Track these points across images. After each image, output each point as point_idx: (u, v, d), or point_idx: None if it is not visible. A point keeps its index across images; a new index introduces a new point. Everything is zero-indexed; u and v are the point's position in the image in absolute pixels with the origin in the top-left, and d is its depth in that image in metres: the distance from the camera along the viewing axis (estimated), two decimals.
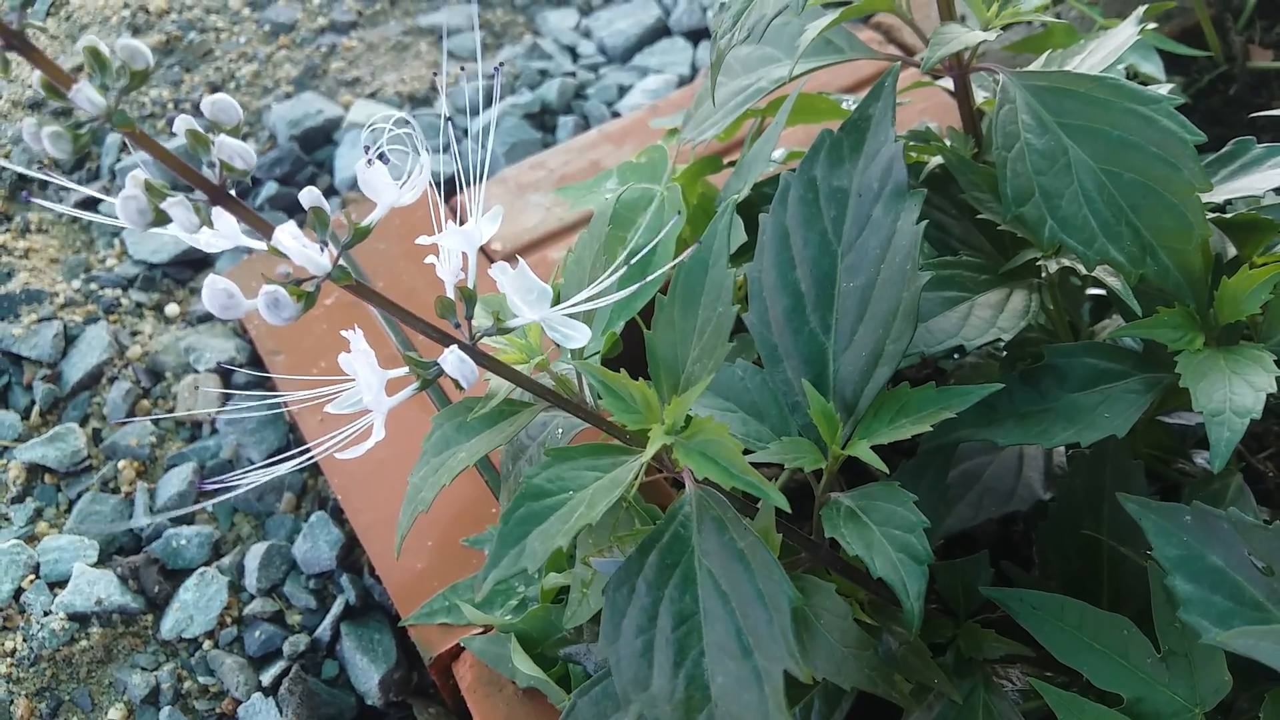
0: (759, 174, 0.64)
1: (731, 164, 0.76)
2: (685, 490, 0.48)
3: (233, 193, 0.39)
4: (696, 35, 1.26)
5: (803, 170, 0.59)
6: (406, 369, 0.45)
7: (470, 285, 0.45)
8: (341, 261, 0.40)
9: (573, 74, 1.21)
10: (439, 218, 0.47)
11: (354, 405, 0.46)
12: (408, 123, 0.44)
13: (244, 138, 0.40)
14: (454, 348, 0.42)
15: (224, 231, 0.40)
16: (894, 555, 0.50)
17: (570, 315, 0.44)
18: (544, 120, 1.16)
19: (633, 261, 0.52)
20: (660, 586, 0.45)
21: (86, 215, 0.45)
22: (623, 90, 1.18)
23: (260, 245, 0.41)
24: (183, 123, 0.40)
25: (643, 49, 1.24)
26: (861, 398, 0.56)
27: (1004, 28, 0.65)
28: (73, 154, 0.36)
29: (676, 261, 0.49)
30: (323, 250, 0.38)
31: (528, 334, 0.52)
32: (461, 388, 0.43)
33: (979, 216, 0.62)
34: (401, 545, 0.50)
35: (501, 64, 1.25)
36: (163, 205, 0.37)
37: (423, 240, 0.45)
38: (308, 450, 0.45)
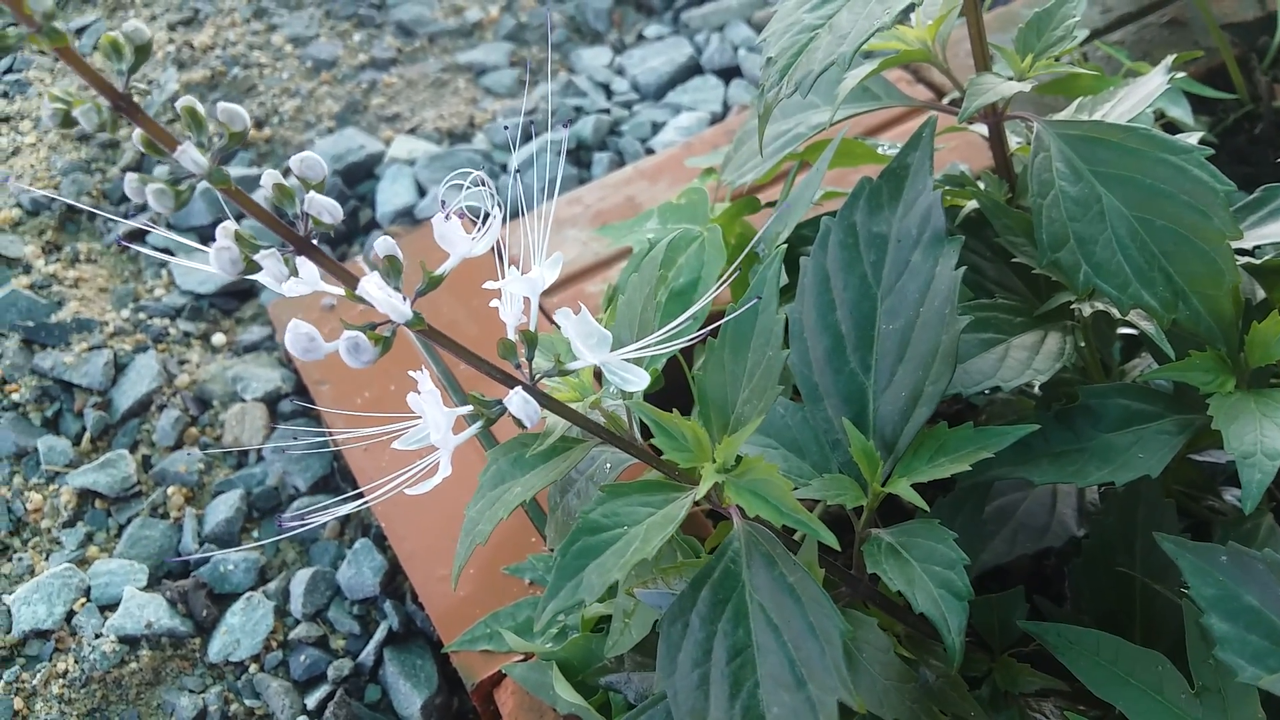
0: (800, 217, 0.66)
1: (770, 204, 0.79)
2: (734, 526, 0.50)
3: (315, 243, 0.41)
4: (728, 74, 1.29)
5: (843, 216, 0.61)
6: (469, 408, 0.48)
7: (532, 328, 0.47)
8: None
9: (607, 110, 1.24)
10: (502, 264, 0.49)
11: (420, 442, 0.48)
12: (484, 182, 0.46)
13: (285, 173, 0.42)
14: (519, 389, 0.44)
15: (306, 279, 0.42)
16: (935, 591, 0.52)
17: (628, 360, 0.46)
18: (579, 156, 1.19)
19: (682, 313, 0.54)
20: (714, 621, 0.47)
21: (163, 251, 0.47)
22: (656, 127, 1.21)
23: (338, 290, 0.44)
24: (270, 177, 0.42)
25: (675, 86, 1.27)
26: (901, 437, 0.58)
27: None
28: (174, 209, 0.38)
29: (712, 295, 0.51)
30: (404, 300, 0.40)
31: (580, 374, 0.54)
32: (524, 427, 0.45)
33: (1014, 260, 0.64)
34: (457, 576, 0.52)
35: (566, 120, 1.28)
36: (255, 257, 0.39)
37: (490, 285, 0.48)
38: (376, 490, 0.47)
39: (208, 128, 0.40)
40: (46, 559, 0.88)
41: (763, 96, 0.57)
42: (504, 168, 1.20)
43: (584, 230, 1.04)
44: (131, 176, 0.40)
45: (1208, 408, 0.58)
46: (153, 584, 0.87)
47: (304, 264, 0.41)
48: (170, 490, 0.93)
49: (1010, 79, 0.64)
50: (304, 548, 0.90)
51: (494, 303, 0.48)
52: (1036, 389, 0.82)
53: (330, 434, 0.82)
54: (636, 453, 0.51)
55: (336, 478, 0.94)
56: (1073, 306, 0.63)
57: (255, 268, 0.40)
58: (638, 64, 1.30)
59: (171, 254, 1.17)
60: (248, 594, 0.86)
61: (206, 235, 1.18)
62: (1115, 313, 0.62)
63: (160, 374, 1.01)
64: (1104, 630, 0.59)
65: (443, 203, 0.43)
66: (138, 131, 0.40)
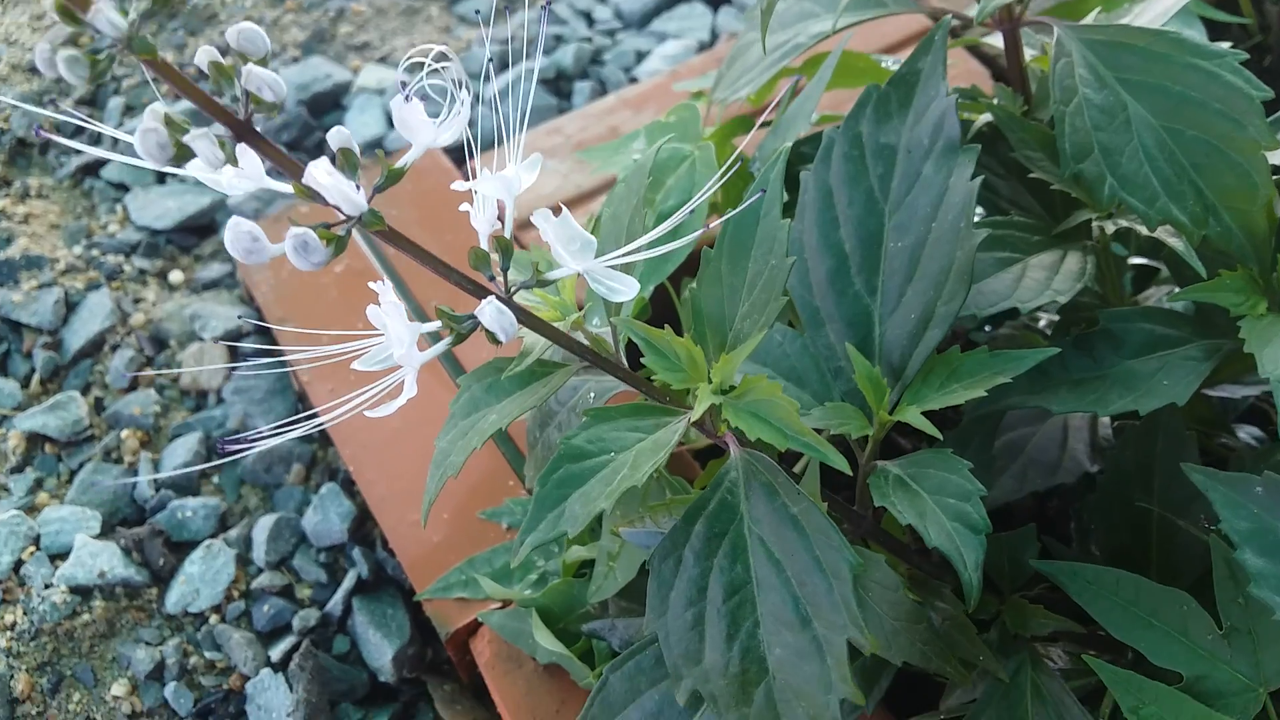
0: (800, 132, 0.61)
1: (766, 124, 0.73)
2: (730, 455, 0.45)
3: (260, 130, 0.36)
4: (715, 0, 1.23)
5: (847, 126, 0.56)
6: (436, 324, 0.43)
7: (507, 235, 0.42)
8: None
9: (589, 39, 1.18)
10: (474, 167, 0.44)
11: (383, 361, 0.43)
12: (447, 57, 0.40)
13: (224, 52, 0.37)
14: (491, 298, 0.39)
15: (248, 171, 0.37)
16: (949, 525, 0.48)
17: (614, 267, 0.41)
18: (559, 86, 1.13)
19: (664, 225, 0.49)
20: (709, 556, 0.43)
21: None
22: (640, 56, 1.15)
23: (285, 188, 0.38)
24: (205, 54, 0.37)
25: (660, 14, 1.21)
26: (910, 362, 0.53)
27: None
28: (89, 80, 0.33)
29: (705, 196, 0.46)
30: (358, 189, 0.35)
31: (562, 291, 0.49)
32: (499, 342, 0.40)
33: (1030, 176, 0.60)
34: (427, 512, 0.48)
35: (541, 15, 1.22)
36: (185, 139, 0.34)
37: (458, 186, 0.42)
38: (331, 410, 0.42)
39: None
40: None
41: None
42: (479, 98, 1.13)
43: (564, 161, 0.98)
44: (42, 46, 0.34)
45: (1237, 331, 0.54)
46: (106, 532, 0.82)
47: (245, 153, 0.36)
48: (124, 433, 0.87)
49: None
50: (267, 493, 0.85)
51: (464, 206, 0.43)
52: (1043, 324, 0.78)
53: (285, 355, 0.77)
54: (624, 376, 0.46)
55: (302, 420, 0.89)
56: (1094, 224, 0.58)
57: (187, 154, 0.35)
58: None
59: (127, 188, 1.10)
60: (207, 541, 0.81)
61: (164, 173, 1.12)
62: (1141, 229, 0.57)
63: (114, 312, 0.95)
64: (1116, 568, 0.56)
65: (401, 84, 0.37)
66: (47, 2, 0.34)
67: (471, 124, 1.13)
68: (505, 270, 0.42)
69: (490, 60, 1.13)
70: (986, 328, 0.82)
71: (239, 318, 0.94)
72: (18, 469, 0.85)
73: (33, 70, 1.25)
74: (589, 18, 1.22)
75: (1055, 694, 0.56)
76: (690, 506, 0.44)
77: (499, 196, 0.42)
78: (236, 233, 0.36)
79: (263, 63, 0.37)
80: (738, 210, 0.43)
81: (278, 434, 0.41)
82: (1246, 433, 0.76)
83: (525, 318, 0.41)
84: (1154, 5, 0.66)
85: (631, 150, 0.72)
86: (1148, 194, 0.54)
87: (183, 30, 1.26)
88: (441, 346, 0.42)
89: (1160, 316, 0.57)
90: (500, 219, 0.43)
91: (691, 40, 1.15)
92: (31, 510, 0.83)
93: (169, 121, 0.35)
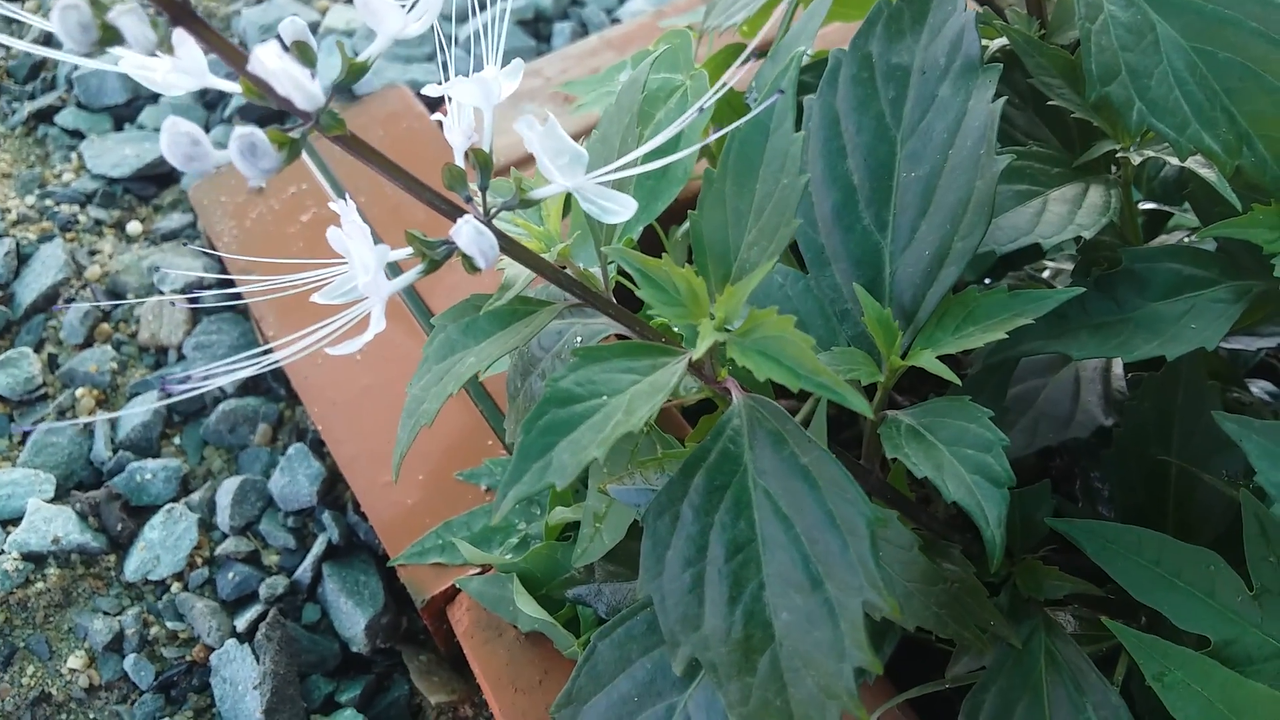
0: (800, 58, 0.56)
1: (762, 54, 0.69)
2: (733, 401, 0.41)
3: (199, 13, 0.31)
4: None
5: (855, 46, 0.52)
6: (407, 251, 0.38)
7: (486, 149, 0.38)
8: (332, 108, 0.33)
9: None
10: (448, 76, 0.39)
11: (346, 293, 0.38)
12: None
13: None
14: (468, 218, 0.35)
15: (187, 64, 0.32)
16: (969, 478, 0.44)
17: (605, 184, 0.36)
18: (538, 28, 1.08)
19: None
20: (709, 512, 0.39)
21: None
22: None
23: (233, 87, 0.34)
24: None
25: None
26: (924, 303, 0.49)
27: None
28: None
29: (699, 108, 0.41)
30: (313, 78, 0.30)
31: (546, 219, 0.45)
32: (477, 268, 0.35)
33: (1048, 104, 0.55)
34: (398, 465, 0.43)
35: None
36: (110, 16, 0.29)
37: (430, 90, 0.38)
38: (290, 344, 0.37)
39: None
40: None
41: None
42: (451, 39, 1.08)
43: (544, 104, 0.93)
44: None
45: (1270, 270, 0.50)
46: (61, 495, 0.77)
47: (182, 40, 0.31)
48: (80, 392, 0.82)
49: None
50: (232, 455, 0.81)
51: (436, 116, 0.38)
52: (1047, 274, 0.74)
53: (240, 289, 0.72)
54: (615, 315, 0.42)
55: (268, 378, 0.84)
56: (1119, 154, 0.54)
57: (114, 36, 0.30)
58: None
59: (83, 135, 1.04)
60: (168, 506, 0.76)
61: (121, 116, 1.06)
62: (1169, 159, 0.53)
63: (68, 264, 0.89)
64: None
65: None
66: None
67: (444, 66, 1.07)
68: (484, 189, 0.38)
69: None
70: (987, 280, 0.78)
71: (203, 270, 0.89)
72: None
73: None
74: None
75: (1071, 660, 0.53)
76: (689, 458, 0.40)
77: (476, 104, 0.38)
78: (174, 134, 0.31)
79: None
80: (744, 120, 0.39)
81: (231, 370, 0.36)
82: (1259, 387, 0.72)
83: (507, 244, 0.37)
84: None
85: (617, 82, 0.67)
86: (1178, 120, 0.50)
87: None
88: (411, 275, 0.37)
89: (1187, 256, 0.54)
90: (478, 130, 0.38)
91: None
92: None
93: (94, 1, 0.30)
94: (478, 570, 0.67)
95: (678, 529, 0.39)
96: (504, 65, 0.39)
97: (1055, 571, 0.55)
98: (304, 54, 0.33)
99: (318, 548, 0.74)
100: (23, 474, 0.77)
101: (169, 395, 0.39)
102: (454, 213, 0.36)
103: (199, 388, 0.36)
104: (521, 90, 0.94)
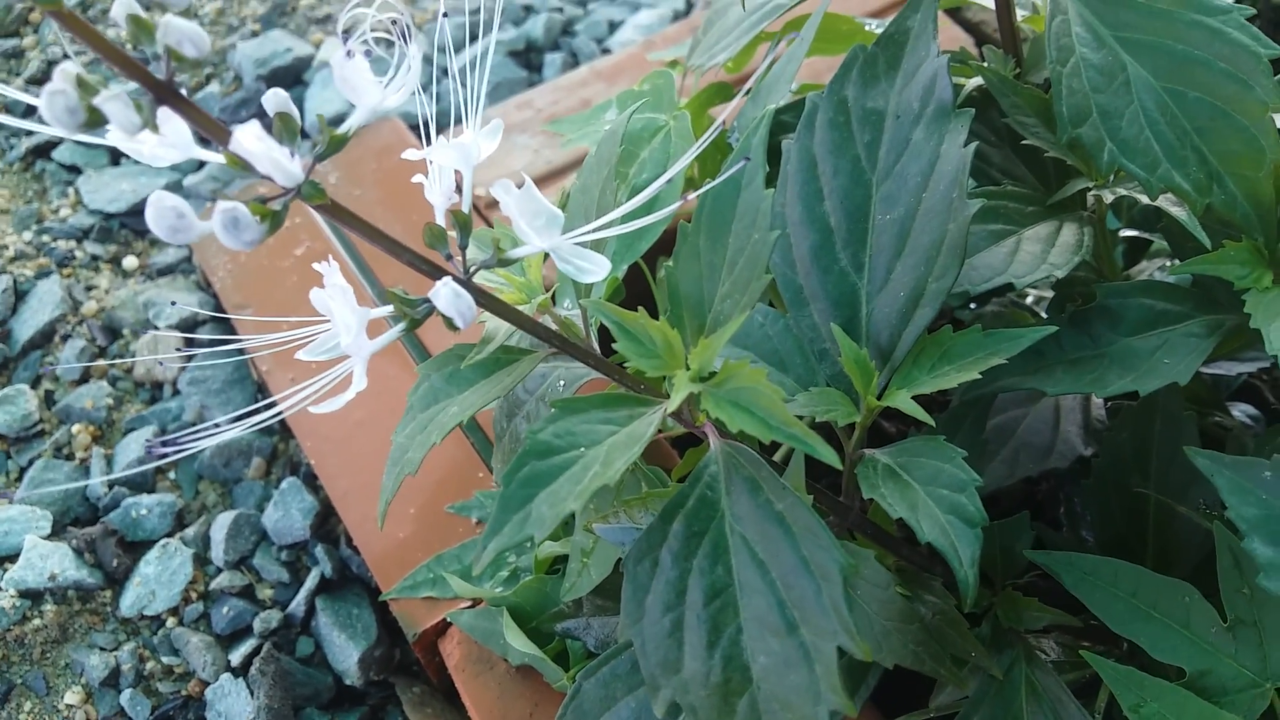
0: (781, 98, 0.58)
1: (746, 94, 0.70)
2: (710, 447, 0.42)
3: (183, 92, 0.32)
4: None
5: (832, 90, 0.53)
6: (389, 309, 0.39)
7: (465, 210, 0.39)
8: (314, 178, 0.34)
9: (560, 9, 1.14)
10: (429, 136, 0.40)
11: (330, 351, 0.39)
12: (395, 9, 0.37)
13: (208, 78, 0.35)
14: (447, 279, 0.36)
15: (172, 138, 0.33)
16: (943, 518, 0.44)
17: (583, 245, 0.37)
18: (529, 58, 1.09)
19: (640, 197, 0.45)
20: (687, 557, 0.40)
21: None
22: (613, 26, 1.11)
23: (216, 157, 0.35)
24: (123, 6, 0.33)
25: None
26: (899, 343, 0.50)
27: None
28: None
29: (680, 168, 0.42)
30: (293, 156, 0.31)
31: (527, 271, 0.46)
32: (456, 328, 0.36)
33: (1022, 143, 0.56)
34: (384, 513, 0.44)
35: None
36: (96, 101, 0.30)
37: (410, 155, 0.39)
38: (274, 405, 0.38)
39: None
40: None
41: None
42: (446, 72, 1.09)
43: (535, 137, 0.94)
44: None
45: (1241, 305, 0.51)
46: (57, 532, 0.78)
47: (167, 117, 0.32)
48: (76, 428, 0.83)
49: None
50: (226, 489, 0.82)
51: (417, 177, 0.39)
52: (1030, 300, 0.75)
53: (241, 342, 0.73)
54: (595, 364, 0.43)
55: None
56: (1092, 192, 0.55)
57: (100, 119, 0.31)
58: None
59: (80, 170, 1.05)
60: (163, 541, 0.77)
61: (118, 152, 1.07)
62: (1139, 198, 0.54)
63: (64, 301, 0.90)
64: (1112, 557, 0.53)
65: (343, 35, 0.34)
66: None
67: (438, 99, 1.09)
68: (464, 248, 0.39)
69: (447, 25, 1.09)
70: (972, 305, 0.79)
71: (198, 305, 0.90)
72: None
73: None
74: None
75: (1051, 690, 0.54)
76: (668, 504, 0.41)
77: (456, 166, 0.39)
78: (159, 209, 0.32)
79: (186, 15, 0.33)
80: (717, 181, 0.40)
81: (216, 434, 0.37)
82: (1241, 410, 0.73)
83: (486, 300, 0.38)
84: None
85: (604, 120, 0.68)
86: (1149, 160, 0.51)
87: (136, 1, 1.20)
88: (392, 334, 0.38)
89: (1160, 291, 0.55)
90: (459, 191, 0.39)
91: (666, 9, 1.12)
92: None
93: (82, 83, 0.31)
94: (468, 604, 0.68)
95: (657, 574, 0.40)
96: (490, 104, 0.40)
97: (1035, 603, 0.56)
98: (287, 125, 0.34)
99: (311, 581, 0.75)
100: (19, 510, 0.78)
101: (161, 457, 0.40)
102: (434, 273, 0.37)
103: (187, 449, 0.37)
104: (513, 122, 0.95)
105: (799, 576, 0.38)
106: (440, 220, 0.40)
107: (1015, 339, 0.49)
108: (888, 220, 0.51)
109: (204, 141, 0.35)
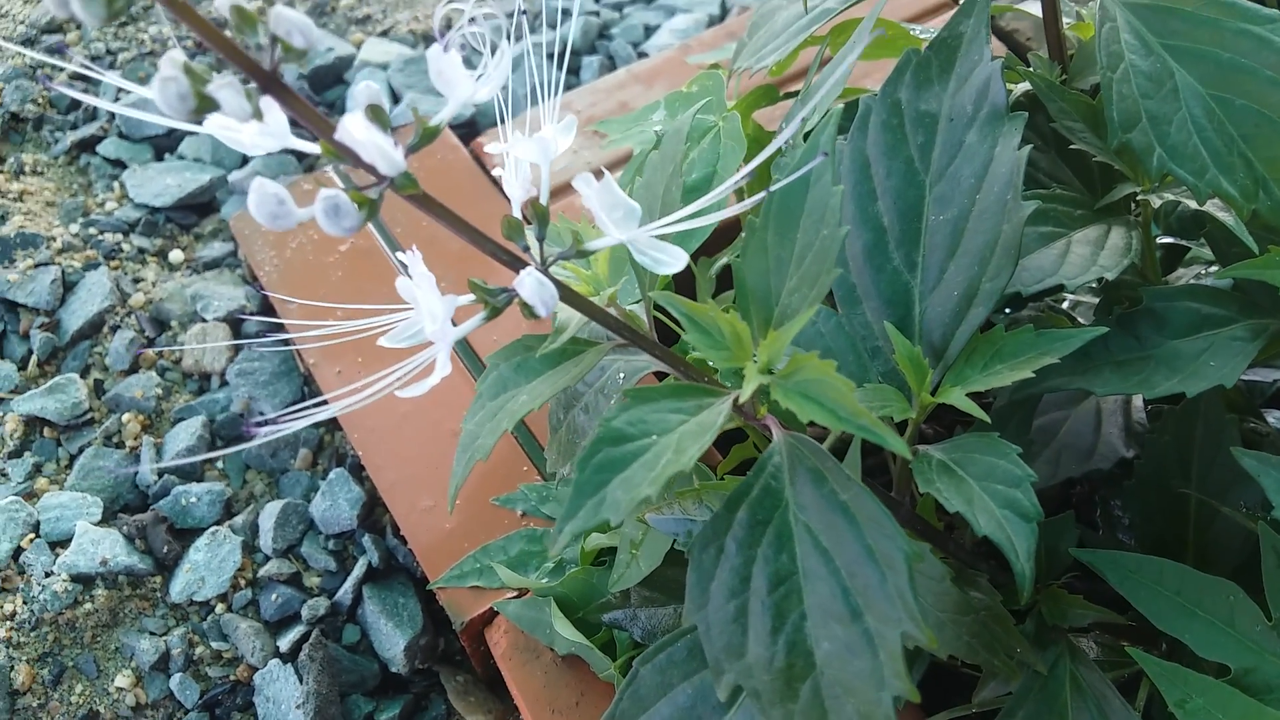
0: (832, 100, 0.59)
1: (790, 94, 0.71)
2: (774, 438, 0.43)
3: (286, 80, 0.34)
4: None
5: (885, 93, 0.54)
6: (470, 298, 0.40)
7: (543, 202, 0.40)
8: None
9: (595, 13, 1.15)
10: (505, 130, 0.42)
11: (412, 337, 0.40)
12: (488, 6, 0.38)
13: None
14: (530, 269, 0.37)
15: (272, 128, 0.34)
16: (998, 512, 0.45)
17: (659, 237, 0.39)
18: (567, 60, 1.10)
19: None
20: (752, 545, 0.41)
21: None
22: (649, 30, 1.12)
23: (312, 148, 0.36)
24: None
25: None
26: (953, 341, 0.51)
27: None
28: (105, 18, 0.30)
29: (732, 185, 0.44)
30: (396, 145, 0.33)
31: (595, 264, 0.47)
32: (536, 316, 0.38)
33: (1070, 148, 0.57)
34: (454, 497, 0.45)
35: None
36: (209, 89, 0.31)
37: (492, 149, 0.40)
38: (360, 390, 0.40)
39: None
40: None
41: None
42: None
43: (575, 138, 0.95)
44: None
45: None
46: (108, 518, 0.80)
47: (270, 107, 0.34)
48: (125, 417, 0.85)
49: None
50: (273, 479, 0.83)
51: (497, 171, 0.41)
52: (1066, 305, 0.76)
53: (292, 335, 0.75)
54: (660, 355, 0.44)
55: (306, 401, 0.86)
56: (1140, 197, 0.56)
57: (210, 105, 0.32)
58: None
59: (124, 165, 1.07)
60: (212, 528, 0.79)
61: (162, 146, 1.09)
62: (1188, 203, 0.55)
63: (113, 292, 0.92)
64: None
65: (440, 32, 0.35)
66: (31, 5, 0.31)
67: (501, 118, 1.09)
68: (541, 239, 0.40)
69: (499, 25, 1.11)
70: (1007, 310, 0.80)
71: (245, 298, 0.91)
72: (16, 453, 0.83)
73: (26, 42, 1.22)
74: None
75: (1095, 686, 0.55)
76: (732, 493, 0.42)
77: (534, 160, 0.40)
78: (262, 194, 0.34)
79: (289, 3, 0.35)
80: (790, 178, 0.41)
81: (304, 416, 0.38)
82: (1275, 418, 0.74)
83: (564, 292, 0.39)
84: None
85: (651, 122, 0.69)
86: (1197, 165, 0.52)
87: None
88: (476, 322, 0.39)
89: (1206, 295, 0.55)
90: (536, 184, 0.41)
91: (701, 14, 1.13)
92: (30, 496, 0.80)
93: (189, 70, 0.33)
94: (515, 594, 0.69)
95: (722, 561, 0.41)
96: (531, 106, 0.42)
97: (1079, 600, 0.57)
98: (379, 117, 0.35)
99: (358, 570, 0.76)
100: (71, 497, 0.80)
101: (250, 438, 0.41)
102: (516, 264, 0.38)
103: (282, 429, 0.38)
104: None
105: (863, 565, 0.39)
106: (517, 213, 0.41)
107: (1066, 339, 0.50)
108: (941, 220, 0.52)
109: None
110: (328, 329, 0.49)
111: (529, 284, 0.37)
